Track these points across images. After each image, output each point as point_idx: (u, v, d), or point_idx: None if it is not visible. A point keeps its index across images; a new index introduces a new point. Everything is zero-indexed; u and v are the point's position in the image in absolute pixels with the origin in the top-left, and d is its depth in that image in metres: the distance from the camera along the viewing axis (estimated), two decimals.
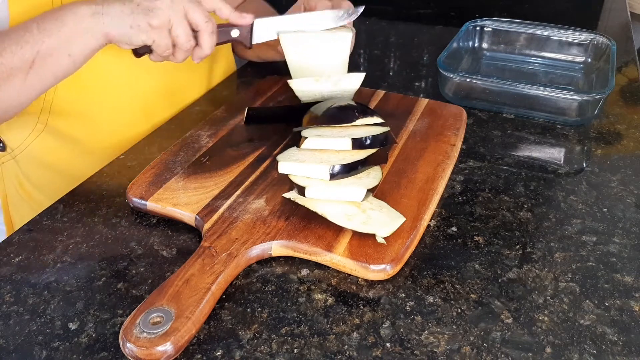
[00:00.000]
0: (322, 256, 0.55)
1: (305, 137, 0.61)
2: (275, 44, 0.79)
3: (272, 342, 0.49)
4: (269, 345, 0.48)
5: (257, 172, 0.67)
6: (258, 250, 0.56)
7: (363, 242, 0.55)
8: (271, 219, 0.59)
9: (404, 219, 0.57)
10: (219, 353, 0.48)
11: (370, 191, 0.58)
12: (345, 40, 0.74)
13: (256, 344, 0.48)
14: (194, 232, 0.60)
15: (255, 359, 0.47)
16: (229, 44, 0.96)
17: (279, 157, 0.60)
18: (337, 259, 0.54)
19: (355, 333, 0.49)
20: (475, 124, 0.82)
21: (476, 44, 1.04)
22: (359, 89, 0.75)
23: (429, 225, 0.61)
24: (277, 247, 0.56)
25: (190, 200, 0.62)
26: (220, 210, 0.60)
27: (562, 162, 0.74)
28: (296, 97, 0.75)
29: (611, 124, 0.83)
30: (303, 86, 0.73)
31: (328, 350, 0.48)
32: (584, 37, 0.98)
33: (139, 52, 0.69)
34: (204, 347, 0.48)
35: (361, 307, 0.52)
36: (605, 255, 0.58)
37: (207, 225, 0.58)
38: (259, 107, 0.80)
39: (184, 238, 0.60)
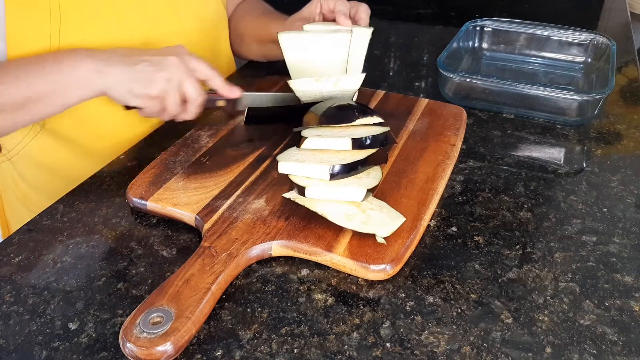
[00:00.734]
0: (322, 256, 0.55)
1: (305, 137, 0.61)
2: None
3: (272, 342, 0.49)
4: (269, 345, 0.48)
5: (257, 172, 0.67)
6: (258, 250, 0.56)
7: (363, 242, 0.55)
8: (271, 219, 0.59)
9: (404, 219, 0.57)
10: (219, 353, 0.48)
11: (370, 191, 0.58)
12: (345, 41, 0.74)
13: (256, 344, 0.48)
14: (194, 232, 0.60)
15: (255, 359, 0.47)
16: (228, 41, 0.96)
17: (279, 157, 0.60)
18: (337, 259, 0.54)
19: (355, 333, 0.49)
20: (475, 124, 0.82)
21: (476, 44, 1.04)
22: (359, 89, 0.75)
23: (429, 225, 0.61)
24: (277, 247, 0.56)
25: (190, 200, 0.62)
26: (220, 210, 0.60)
27: (562, 162, 0.74)
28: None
29: (611, 124, 0.83)
30: (303, 86, 0.73)
31: (328, 350, 0.48)
32: (584, 37, 0.98)
33: (128, 107, 0.71)
34: (204, 347, 0.48)
35: (361, 307, 0.52)
36: (605, 255, 0.58)
37: (207, 225, 0.58)
38: (259, 107, 0.80)
39: (184, 238, 0.60)
